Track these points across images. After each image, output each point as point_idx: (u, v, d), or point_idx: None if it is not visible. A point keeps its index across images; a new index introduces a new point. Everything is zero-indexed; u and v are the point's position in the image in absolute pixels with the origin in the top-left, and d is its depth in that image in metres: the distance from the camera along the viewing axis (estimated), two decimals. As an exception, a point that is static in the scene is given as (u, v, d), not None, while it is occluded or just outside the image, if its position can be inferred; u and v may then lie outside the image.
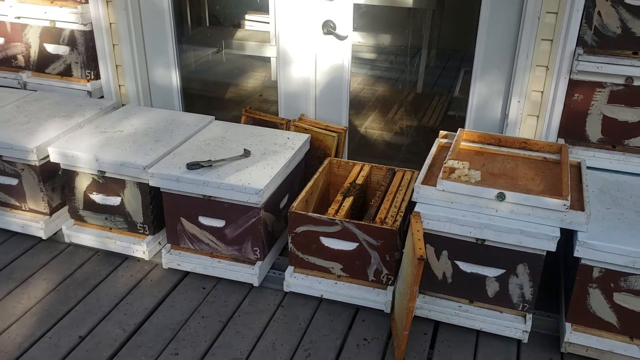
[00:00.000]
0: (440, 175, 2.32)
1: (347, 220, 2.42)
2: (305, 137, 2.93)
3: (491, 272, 2.32)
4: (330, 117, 3.18)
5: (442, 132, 2.82)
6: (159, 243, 2.86)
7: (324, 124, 3.13)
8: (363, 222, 2.41)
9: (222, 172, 2.55)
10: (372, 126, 4.07)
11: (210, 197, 2.54)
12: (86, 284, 2.68)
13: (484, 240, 2.26)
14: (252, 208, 2.51)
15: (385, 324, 2.47)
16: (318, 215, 2.44)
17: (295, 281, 2.59)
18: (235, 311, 2.54)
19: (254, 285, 2.66)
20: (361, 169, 2.88)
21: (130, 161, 2.64)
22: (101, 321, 2.46)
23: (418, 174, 2.46)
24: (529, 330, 2.34)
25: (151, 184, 2.60)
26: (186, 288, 2.67)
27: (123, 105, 3.40)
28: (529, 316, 2.35)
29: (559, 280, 2.62)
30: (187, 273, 2.75)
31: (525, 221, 2.22)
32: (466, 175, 2.35)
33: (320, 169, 2.82)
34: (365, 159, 3.03)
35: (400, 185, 2.75)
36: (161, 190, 2.62)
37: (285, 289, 2.62)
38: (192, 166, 2.56)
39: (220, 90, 4.31)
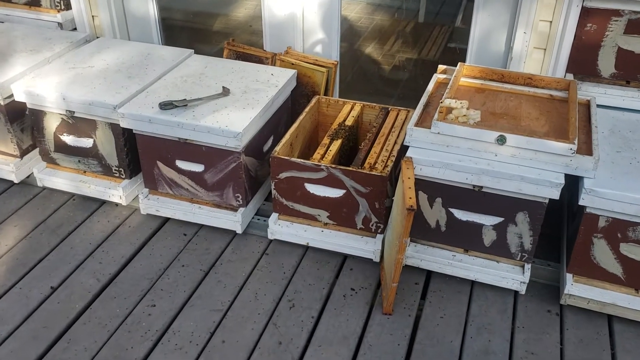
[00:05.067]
0: (436, 116, 2.12)
1: (333, 166, 2.23)
2: (291, 72, 2.70)
3: (488, 221, 2.17)
4: (320, 50, 2.93)
5: (440, 67, 2.59)
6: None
7: (313, 58, 2.88)
8: (350, 168, 2.23)
9: (197, 113, 2.34)
10: (367, 60, 3.80)
11: (187, 140, 2.35)
12: (60, 231, 2.54)
13: (482, 187, 2.08)
14: (232, 152, 2.32)
15: (375, 273, 2.34)
16: (302, 160, 2.26)
17: (280, 229, 2.44)
18: (217, 259, 2.41)
19: (237, 232, 2.51)
20: (352, 109, 2.67)
21: (99, 100, 2.44)
22: (74, 271, 2.34)
23: (413, 113, 2.26)
24: (527, 282, 2.20)
25: (122, 125, 2.41)
26: (166, 235, 2.54)
27: (97, 38, 3.15)
28: (528, 267, 2.21)
29: (561, 227, 2.47)
30: (167, 219, 2.61)
31: (527, 166, 2.04)
32: (464, 115, 2.14)
33: (306, 109, 2.61)
34: (359, 97, 2.81)
35: (394, 126, 2.55)
36: (134, 132, 2.42)
37: (270, 236, 2.48)
38: (165, 106, 2.35)
39: (206, 21, 4.02)
